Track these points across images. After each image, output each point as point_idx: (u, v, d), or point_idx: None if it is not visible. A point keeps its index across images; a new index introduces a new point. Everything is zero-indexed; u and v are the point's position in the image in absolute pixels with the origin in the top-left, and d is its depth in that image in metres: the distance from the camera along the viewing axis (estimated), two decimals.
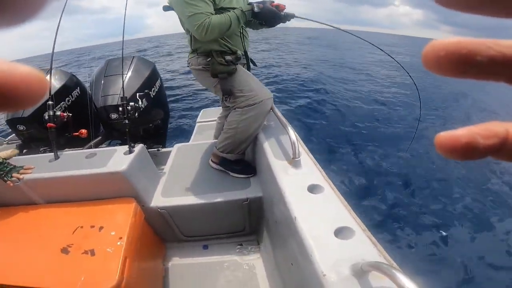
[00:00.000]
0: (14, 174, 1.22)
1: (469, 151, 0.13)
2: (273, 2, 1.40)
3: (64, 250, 1.05)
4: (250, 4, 1.38)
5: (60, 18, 1.63)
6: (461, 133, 0.13)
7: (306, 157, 1.17)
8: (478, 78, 0.13)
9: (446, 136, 0.13)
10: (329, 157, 3.77)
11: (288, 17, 1.44)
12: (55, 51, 1.60)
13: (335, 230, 0.78)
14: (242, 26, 1.45)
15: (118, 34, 1.87)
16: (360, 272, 0.65)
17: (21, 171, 1.24)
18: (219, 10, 1.30)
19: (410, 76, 1.53)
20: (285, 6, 1.40)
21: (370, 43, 1.58)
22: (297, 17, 1.48)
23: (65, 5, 1.69)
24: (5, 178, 1.20)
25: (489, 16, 0.13)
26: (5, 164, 1.23)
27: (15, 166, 1.25)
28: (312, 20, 1.71)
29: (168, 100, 2.67)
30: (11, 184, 1.20)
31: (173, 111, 4.39)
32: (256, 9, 1.34)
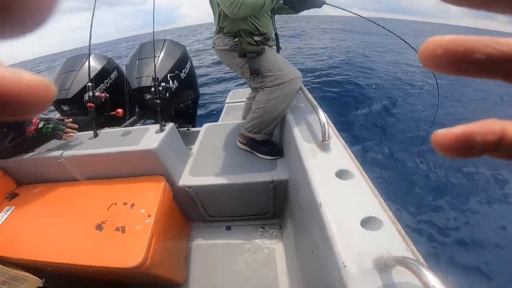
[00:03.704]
0: (63, 135, 1.36)
1: (466, 149, 0.13)
2: None
3: (99, 227, 1.11)
4: None
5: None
6: (458, 130, 0.13)
7: (336, 141, 1.10)
8: (476, 76, 0.14)
9: (443, 133, 0.13)
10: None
11: (320, 3, 1.39)
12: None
13: (362, 220, 0.74)
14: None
15: (156, 24, 1.91)
16: (384, 266, 0.61)
17: (64, 135, 1.36)
18: None
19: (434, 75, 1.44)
20: None
21: (392, 32, 1.49)
22: (328, 4, 1.42)
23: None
24: (56, 137, 1.35)
25: (496, 13, 0.13)
26: (47, 126, 1.33)
27: (57, 123, 1.36)
28: (343, 9, 1.62)
29: (199, 82, 2.71)
30: (67, 138, 1.37)
31: (203, 92, 4.46)
32: None
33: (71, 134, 1.39)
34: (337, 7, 1.55)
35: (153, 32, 1.88)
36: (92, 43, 1.79)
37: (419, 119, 4.50)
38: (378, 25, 1.56)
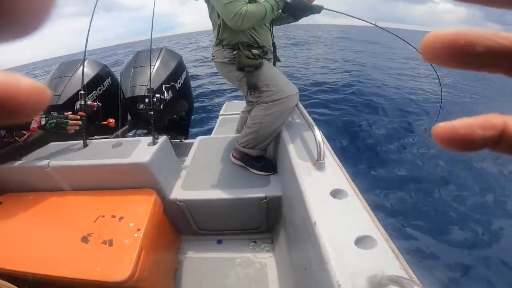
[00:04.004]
0: (69, 128, 1.35)
1: (467, 142, 0.13)
2: None
3: (84, 239, 1.07)
4: None
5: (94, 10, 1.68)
6: (459, 124, 0.13)
7: (331, 159, 1.11)
8: (477, 69, 0.14)
9: (444, 126, 0.14)
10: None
11: (318, 8, 1.41)
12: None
13: (356, 239, 0.74)
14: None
15: (154, 31, 1.91)
16: (378, 285, 0.61)
17: (69, 128, 1.35)
18: (251, 1, 1.28)
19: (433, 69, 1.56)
20: None
21: (404, 40, 1.52)
22: (326, 9, 1.44)
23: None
24: (61, 130, 1.34)
25: (499, 8, 0.13)
26: (50, 122, 1.32)
27: (58, 117, 1.35)
28: (341, 13, 1.65)
29: (194, 92, 2.71)
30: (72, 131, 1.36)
31: (197, 103, 4.43)
32: (288, 0, 1.34)
33: (76, 123, 1.38)
34: (336, 11, 1.58)
35: (151, 39, 1.86)
36: (89, 48, 1.76)
37: (419, 125, 4.59)
38: (390, 32, 1.58)
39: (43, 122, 1.31)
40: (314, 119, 1.28)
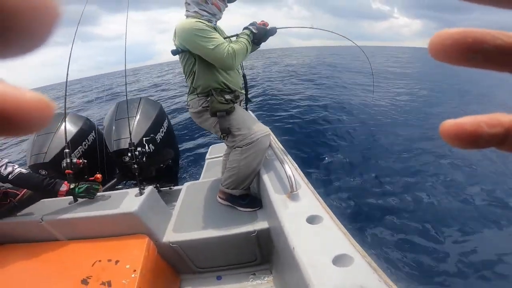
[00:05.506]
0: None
1: (474, 139, 0.13)
2: (258, 22, 1.54)
3: (84, 281, 1.15)
4: (247, 28, 1.51)
5: (68, 64, 1.77)
6: (467, 120, 0.13)
7: (305, 189, 1.21)
8: (484, 67, 0.14)
9: (451, 123, 0.14)
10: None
11: (274, 30, 1.57)
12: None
13: (333, 259, 0.81)
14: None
15: (131, 61, 1.94)
16: None
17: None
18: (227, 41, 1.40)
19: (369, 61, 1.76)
20: (268, 22, 1.55)
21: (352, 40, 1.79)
22: (279, 28, 1.61)
23: (74, 40, 1.79)
24: (89, 196, 1.45)
25: (503, 8, 0.13)
26: (80, 187, 1.43)
27: (91, 183, 1.46)
28: (293, 27, 1.86)
29: (180, 134, 2.74)
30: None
31: (187, 143, 4.38)
32: (254, 30, 1.48)
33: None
34: (287, 27, 1.77)
35: (126, 92, 1.95)
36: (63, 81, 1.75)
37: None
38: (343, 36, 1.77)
39: (72, 186, 1.40)
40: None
